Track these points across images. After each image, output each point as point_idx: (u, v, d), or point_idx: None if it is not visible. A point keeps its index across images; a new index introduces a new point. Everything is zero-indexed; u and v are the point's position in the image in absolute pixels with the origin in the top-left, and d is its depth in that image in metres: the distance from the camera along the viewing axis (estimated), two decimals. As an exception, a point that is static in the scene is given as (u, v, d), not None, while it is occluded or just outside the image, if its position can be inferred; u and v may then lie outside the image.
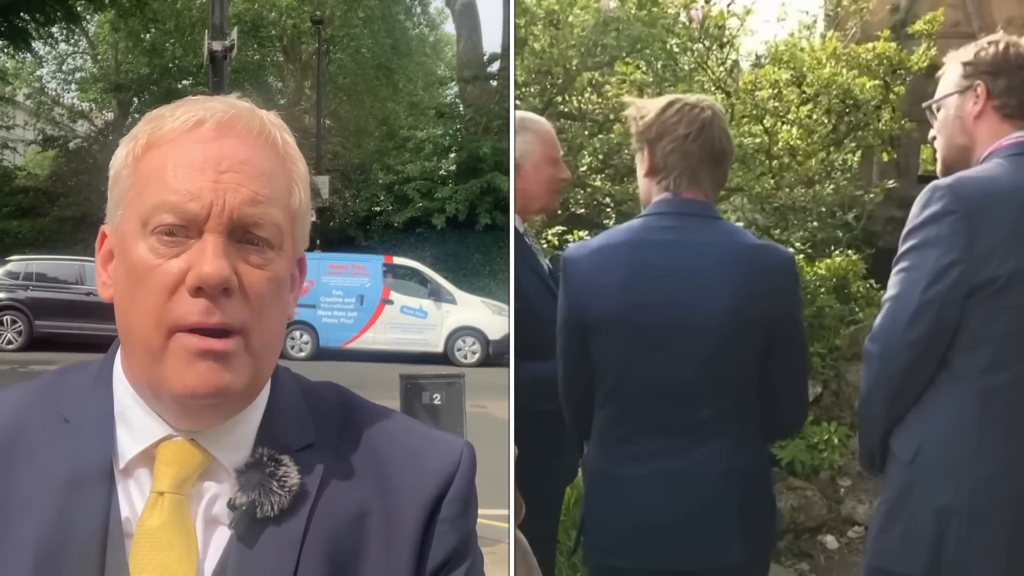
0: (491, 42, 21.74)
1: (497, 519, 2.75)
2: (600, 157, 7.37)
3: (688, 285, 2.42)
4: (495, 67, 21.31)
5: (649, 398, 2.47)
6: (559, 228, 6.98)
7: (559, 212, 7.05)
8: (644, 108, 2.61)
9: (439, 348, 15.75)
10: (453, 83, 23.37)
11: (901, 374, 2.37)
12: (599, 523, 2.58)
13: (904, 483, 2.40)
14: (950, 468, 2.33)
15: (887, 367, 2.39)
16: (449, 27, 24.44)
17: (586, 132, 7.37)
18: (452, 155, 20.44)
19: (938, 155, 2.63)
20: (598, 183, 7.40)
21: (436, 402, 6.47)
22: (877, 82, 7.24)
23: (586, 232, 6.91)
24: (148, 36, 21.57)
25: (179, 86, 20.44)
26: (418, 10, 25.08)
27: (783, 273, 2.51)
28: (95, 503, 1.15)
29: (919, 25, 7.44)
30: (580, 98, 7.61)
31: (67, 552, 1.13)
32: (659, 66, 7.34)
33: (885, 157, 7.74)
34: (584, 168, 7.26)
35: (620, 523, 2.51)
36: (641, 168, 2.62)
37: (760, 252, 2.51)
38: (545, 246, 6.70)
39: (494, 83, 21.12)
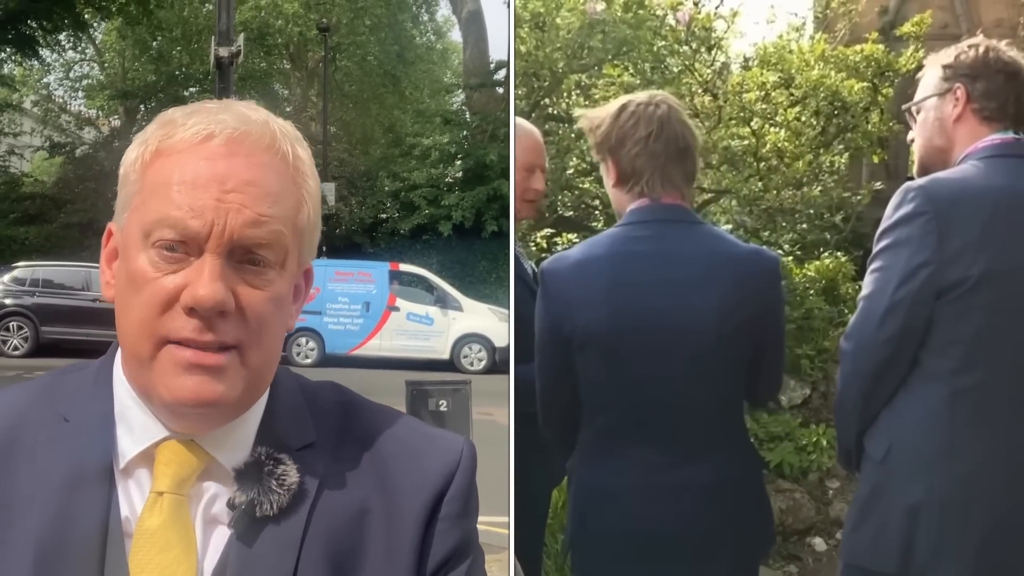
0: (497, 50, 21.77)
1: (501, 526, 2.74)
2: (588, 160, 7.35)
3: (675, 295, 2.38)
4: (501, 75, 21.30)
5: (639, 411, 2.43)
6: (548, 231, 6.98)
7: (547, 215, 7.05)
8: (596, 118, 2.57)
9: (445, 355, 15.68)
10: (459, 90, 23.36)
11: (873, 372, 2.39)
12: (588, 536, 2.53)
13: (875, 482, 2.43)
14: (920, 468, 2.34)
15: (860, 365, 2.41)
16: (455, 35, 24.47)
17: (573, 135, 7.35)
18: (458, 162, 20.36)
19: (915, 156, 2.64)
20: (586, 185, 7.39)
21: (442, 408, 6.48)
22: (865, 84, 7.24)
23: (575, 235, 6.92)
24: (155, 43, 21.60)
25: (185, 93, 20.42)
26: (425, 18, 25.14)
27: (768, 275, 2.48)
28: (95, 503, 1.16)
29: (907, 27, 7.44)
30: (568, 101, 7.60)
31: (67, 551, 1.13)
32: (647, 68, 7.33)
33: (876, 159, 7.73)
34: (571, 171, 7.26)
35: (610, 537, 2.47)
36: (608, 179, 2.57)
37: (745, 258, 2.46)
38: (534, 249, 6.70)
39: (500, 90, 21.11)
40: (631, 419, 2.44)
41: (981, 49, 2.52)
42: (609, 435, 2.48)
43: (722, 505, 2.43)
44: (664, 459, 2.42)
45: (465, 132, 21.09)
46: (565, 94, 7.63)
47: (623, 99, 2.58)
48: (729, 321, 2.38)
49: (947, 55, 2.57)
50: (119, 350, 1.23)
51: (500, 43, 21.77)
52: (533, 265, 3.27)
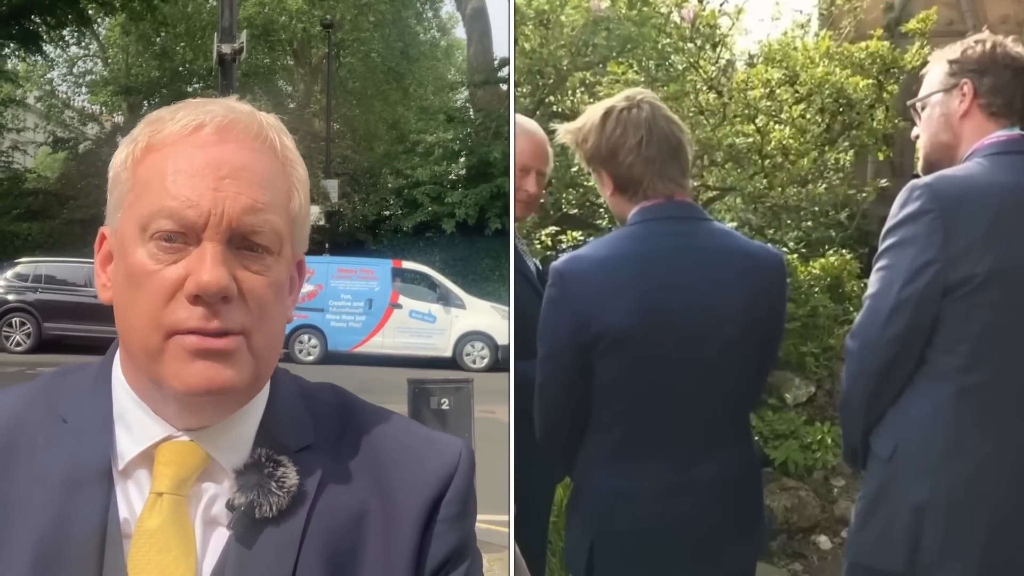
0: (501, 46, 21.76)
1: (504, 525, 2.73)
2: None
3: (703, 293, 2.37)
4: (505, 72, 21.30)
5: (665, 410, 2.40)
6: (552, 228, 6.97)
7: (551, 212, 7.04)
8: (580, 131, 2.54)
9: (448, 353, 15.66)
10: (463, 87, 23.35)
11: (879, 371, 2.38)
12: (614, 540, 2.45)
13: (881, 480, 2.42)
14: (926, 466, 2.33)
15: (866, 364, 2.41)
16: (460, 32, 24.42)
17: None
18: (462, 159, 20.36)
19: (920, 153, 2.63)
20: (590, 183, 7.37)
21: (444, 407, 6.49)
22: (871, 81, 7.24)
23: (579, 232, 6.90)
24: (158, 39, 21.63)
25: (189, 89, 20.44)
26: (429, 14, 25.08)
27: (779, 273, 2.50)
28: (93, 504, 1.16)
29: (913, 24, 7.44)
30: (572, 98, 7.58)
31: (65, 553, 1.13)
32: (651, 66, 7.32)
33: (881, 156, 7.73)
34: (576, 168, 7.24)
35: (638, 538, 2.42)
36: (605, 189, 2.54)
37: (758, 254, 2.49)
38: (538, 246, 6.69)
39: (504, 87, 21.10)
40: (656, 419, 2.40)
41: (988, 44, 2.52)
42: (631, 436, 2.43)
43: (739, 498, 2.45)
44: (688, 456, 2.41)
45: (469, 129, 21.07)
46: (569, 91, 7.61)
47: (603, 106, 2.54)
48: (748, 316, 2.39)
49: (953, 51, 2.56)
50: (118, 351, 1.23)
51: (504, 40, 21.77)
52: (537, 262, 3.25)
